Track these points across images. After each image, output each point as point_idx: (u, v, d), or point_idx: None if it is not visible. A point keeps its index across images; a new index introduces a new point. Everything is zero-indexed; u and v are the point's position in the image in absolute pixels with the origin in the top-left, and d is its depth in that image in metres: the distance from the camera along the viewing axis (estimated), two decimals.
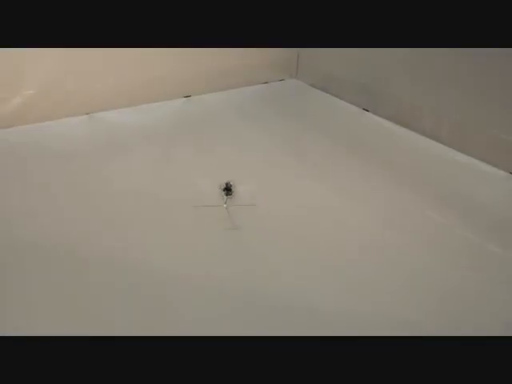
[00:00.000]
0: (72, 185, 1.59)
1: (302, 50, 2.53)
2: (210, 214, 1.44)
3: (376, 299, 1.16)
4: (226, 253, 1.32)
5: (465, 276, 1.25)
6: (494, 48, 1.52)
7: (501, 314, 1.11)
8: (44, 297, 1.12)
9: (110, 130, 1.95)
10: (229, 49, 2.26)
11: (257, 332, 0.98)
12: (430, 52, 1.77)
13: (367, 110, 2.16)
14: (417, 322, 1.08)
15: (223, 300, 1.14)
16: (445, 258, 1.32)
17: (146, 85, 2.10)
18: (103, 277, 1.21)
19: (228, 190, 1.61)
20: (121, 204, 1.51)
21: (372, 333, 0.98)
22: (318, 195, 1.61)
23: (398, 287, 1.23)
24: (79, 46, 1.51)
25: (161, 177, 1.68)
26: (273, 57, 2.50)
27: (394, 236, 1.41)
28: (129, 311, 1.09)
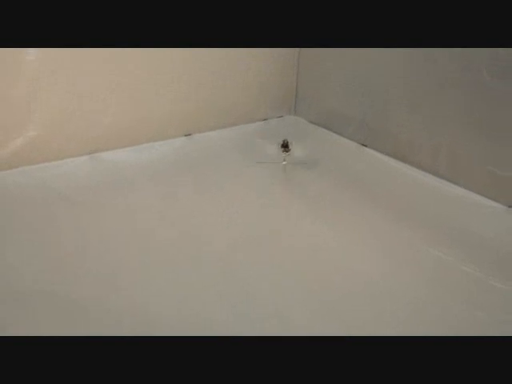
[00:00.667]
0: (74, 226, 1.60)
1: (300, 86, 2.59)
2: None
3: (378, 334, 1.14)
4: (223, 292, 1.31)
5: (466, 311, 1.23)
6: (490, 81, 1.58)
7: None
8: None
9: (112, 170, 1.97)
10: (228, 86, 2.34)
11: None
12: (427, 88, 1.82)
13: (365, 146, 2.19)
14: None
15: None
16: (446, 294, 1.30)
17: (147, 124, 2.14)
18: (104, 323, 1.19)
19: (285, 146, 1.69)
20: (124, 244, 1.51)
21: None
22: (318, 233, 1.62)
23: (399, 322, 1.21)
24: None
25: (162, 217, 1.69)
26: (271, 94, 2.57)
27: (394, 272, 1.40)
28: None
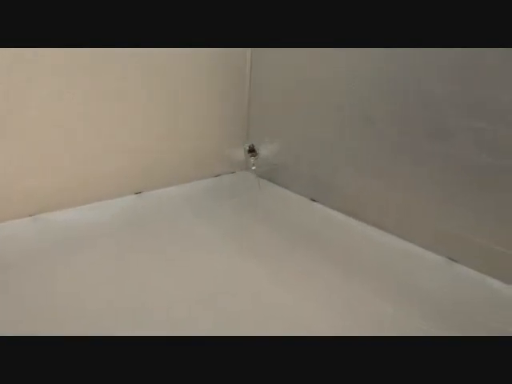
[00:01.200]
0: (7, 295, 1.49)
1: (251, 143, 2.67)
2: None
3: None
4: None
5: None
6: (428, 144, 1.69)
7: None
8: None
9: (55, 232, 1.88)
10: (180, 142, 2.36)
11: None
12: (369, 149, 1.93)
13: (315, 201, 2.25)
14: None
15: None
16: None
17: (94, 182, 2.09)
18: None
19: (252, 151, 1.73)
20: (64, 310, 1.42)
21: None
22: (269, 289, 1.60)
23: None
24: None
25: (109, 280, 1.61)
26: (223, 150, 2.61)
27: (345, 327, 1.40)
28: None
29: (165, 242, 1.90)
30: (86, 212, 2.05)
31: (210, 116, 2.47)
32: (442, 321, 1.42)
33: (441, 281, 1.60)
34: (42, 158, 1.90)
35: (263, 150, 2.25)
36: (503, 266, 1.56)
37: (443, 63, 1.59)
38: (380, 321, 1.45)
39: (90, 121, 1.99)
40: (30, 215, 1.92)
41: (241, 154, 2.19)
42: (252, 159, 1.76)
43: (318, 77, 2.10)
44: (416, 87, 1.69)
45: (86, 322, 1.38)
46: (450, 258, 1.68)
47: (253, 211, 2.24)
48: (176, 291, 1.56)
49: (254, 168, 1.75)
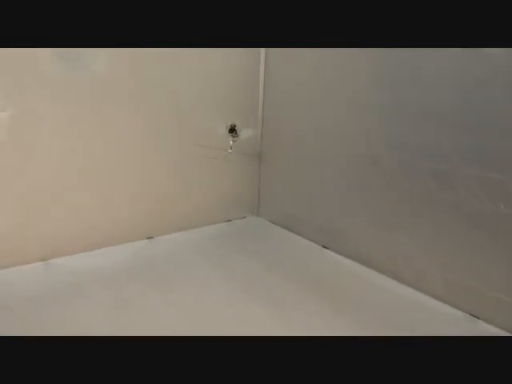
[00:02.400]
0: None
1: (262, 188, 2.68)
2: None
3: None
4: None
5: None
6: (437, 191, 1.68)
7: None
8: None
9: (66, 277, 1.88)
10: (193, 188, 2.39)
11: None
12: (384, 195, 1.92)
13: (327, 248, 2.22)
14: None
15: None
16: None
17: (108, 227, 2.12)
18: None
19: (232, 130, 1.66)
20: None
21: None
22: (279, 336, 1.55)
23: None
24: None
25: (121, 325, 1.58)
26: (235, 195, 2.63)
27: None
28: None
29: (175, 290, 1.87)
30: (97, 257, 2.06)
31: (221, 163, 2.50)
32: None
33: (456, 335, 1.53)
34: (56, 204, 1.94)
35: (244, 133, 2.16)
36: None
37: (450, 113, 1.61)
38: None
39: (102, 168, 2.05)
40: (43, 260, 1.94)
41: (222, 131, 2.10)
42: (231, 140, 1.62)
43: (329, 130, 2.15)
44: (424, 138, 1.70)
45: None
46: (469, 313, 1.62)
47: (264, 258, 2.21)
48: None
49: (230, 151, 1.60)
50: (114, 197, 2.12)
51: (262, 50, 2.46)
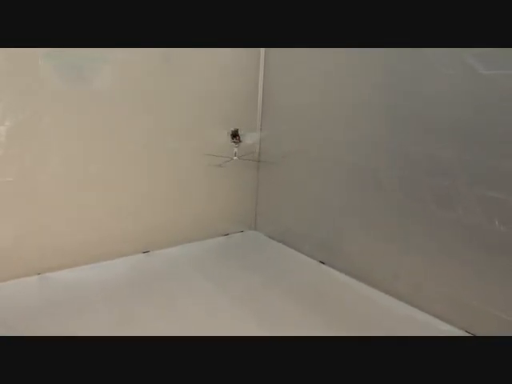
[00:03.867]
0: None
1: (260, 202, 2.69)
2: None
3: None
4: None
5: None
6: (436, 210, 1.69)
7: None
8: None
9: (62, 291, 1.87)
10: (190, 201, 2.38)
11: None
12: (382, 210, 1.93)
13: (323, 263, 2.22)
14: None
15: None
16: None
17: (104, 241, 2.11)
18: None
19: (235, 135, 1.62)
20: None
21: None
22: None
23: None
24: None
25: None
26: (232, 209, 2.64)
27: None
28: None
29: (170, 304, 1.86)
30: (93, 270, 2.05)
31: (219, 179, 2.50)
32: None
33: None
34: (52, 218, 1.94)
35: (248, 139, 2.10)
36: None
37: (453, 129, 1.62)
38: None
39: (99, 183, 2.05)
40: (39, 273, 1.92)
41: (224, 137, 2.04)
42: (234, 146, 1.60)
43: (329, 142, 2.16)
44: (425, 152, 1.72)
45: None
46: (465, 330, 1.61)
47: (261, 272, 2.20)
48: None
49: (235, 158, 1.56)
50: (111, 211, 2.12)
51: (262, 56, 2.45)
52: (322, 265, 2.22)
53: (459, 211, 1.61)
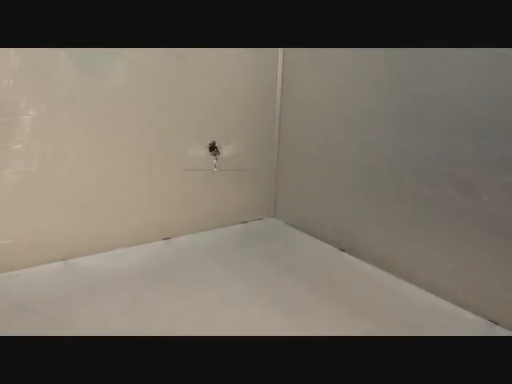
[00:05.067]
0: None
1: (279, 190, 2.68)
2: None
3: None
4: None
5: None
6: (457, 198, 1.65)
7: None
8: None
9: (85, 276, 1.93)
10: (209, 189, 2.40)
11: None
12: (396, 203, 1.90)
13: (343, 251, 2.20)
14: None
15: None
16: None
17: (125, 228, 2.15)
18: None
19: (213, 148, 1.66)
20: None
21: None
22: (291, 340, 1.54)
23: None
24: None
25: (132, 326, 1.60)
26: (251, 196, 2.64)
27: None
28: None
29: (190, 290, 1.89)
30: (115, 257, 2.09)
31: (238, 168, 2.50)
32: None
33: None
34: (76, 206, 1.98)
35: (225, 151, 2.13)
36: None
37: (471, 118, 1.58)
38: None
39: (120, 170, 2.08)
40: (63, 259, 1.98)
41: (202, 151, 2.08)
42: (213, 158, 1.64)
43: (347, 130, 2.13)
44: (443, 140, 1.67)
45: None
46: (488, 319, 1.58)
47: (280, 260, 2.21)
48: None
49: (215, 170, 1.62)
50: (132, 198, 2.15)
51: (280, 58, 2.46)
52: (342, 252, 2.20)
53: (479, 199, 1.57)
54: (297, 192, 2.56)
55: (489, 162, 1.54)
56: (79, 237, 2.01)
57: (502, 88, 1.48)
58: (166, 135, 2.18)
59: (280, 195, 2.69)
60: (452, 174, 1.66)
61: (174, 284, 1.93)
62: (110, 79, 1.94)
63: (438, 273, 1.78)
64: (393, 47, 1.73)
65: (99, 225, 2.07)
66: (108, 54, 1.90)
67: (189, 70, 2.14)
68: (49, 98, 1.81)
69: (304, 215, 2.52)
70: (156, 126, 2.13)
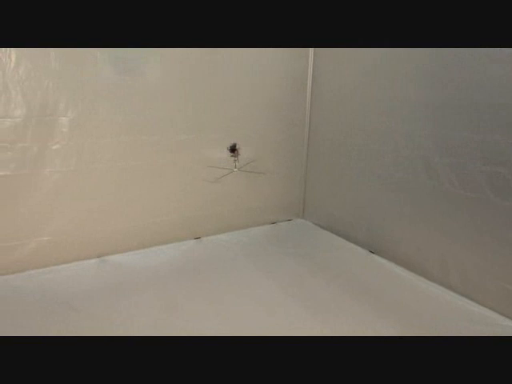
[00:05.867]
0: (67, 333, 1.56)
1: (308, 191, 2.67)
2: None
3: None
4: None
5: None
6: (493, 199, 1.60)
7: None
8: None
9: (117, 274, 1.98)
10: (239, 190, 2.43)
11: None
12: (428, 203, 1.87)
13: (374, 253, 2.17)
14: None
15: None
16: None
17: (158, 227, 2.21)
18: None
19: (233, 150, 1.89)
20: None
21: None
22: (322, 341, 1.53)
23: None
24: None
25: (166, 324, 1.64)
26: (280, 197, 2.65)
27: None
28: None
29: (222, 289, 1.90)
30: (148, 255, 2.15)
31: (267, 170, 2.53)
32: None
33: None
34: (110, 205, 2.05)
35: (250, 152, 2.26)
36: None
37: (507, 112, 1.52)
38: None
39: (151, 173, 2.14)
40: (99, 256, 2.05)
41: (223, 153, 2.18)
42: (234, 159, 1.87)
43: (377, 132, 2.10)
44: (479, 138, 1.63)
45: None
46: None
47: (309, 261, 2.20)
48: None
49: (235, 170, 1.87)
50: (164, 198, 2.20)
51: (311, 52, 2.47)
52: (371, 254, 2.18)
53: None
54: (325, 193, 2.55)
55: None
56: (113, 234, 2.08)
57: None
58: (198, 135, 2.22)
59: (309, 196, 2.69)
60: (490, 173, 1.61)
61: (207, 283, 1.95)
62: (143, 79, 2.00)
63: (472, 276, 1.72)
64: (433, 47, 1.70)
65: (132, 223, 2.13)
66: (142, 55, 1.96)
67: (219, 69, 2.18)
68: (86, 98, 1.88)
69: (333, 216, 2.50)
70: (188, 126, 2.18)
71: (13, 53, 1.69)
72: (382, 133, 2.07)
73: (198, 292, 1.87)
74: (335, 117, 2.37)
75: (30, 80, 1.74)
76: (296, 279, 2.03)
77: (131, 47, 1.82)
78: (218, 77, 2.19)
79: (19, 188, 1.83)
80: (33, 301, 1.73)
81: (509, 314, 1.58)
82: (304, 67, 2.48)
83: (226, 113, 2.26)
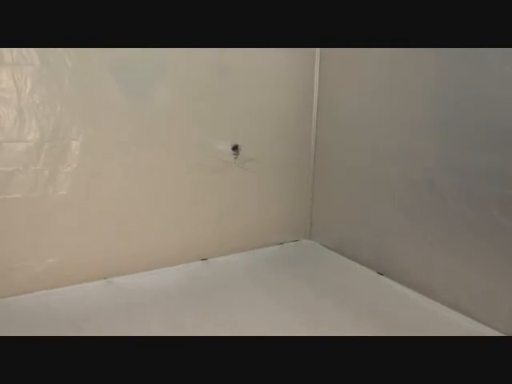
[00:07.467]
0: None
1: (315, 211, 2.67)
2: None
3: None
4: None
5: None
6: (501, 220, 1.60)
7: None
8: None
9: (124, 296, 1.98)
10: (245, 211, 2.44)
11: None
12: (437, 227, 1.87)
13: (382, 274, 2.16)
14: None
15: None
16: None
17: (164, 249, 2.21)
18: None
19: (235, 149, 2.13)
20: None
21: None
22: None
23: None
24: None
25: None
26: (287, 218, 2.65)
27: None
28: None
29: (229, 312, 1.89)
30: (154, 276, 2.15)
31: (274, 189, 2.55)
32: None
33: None
34: (117, 227, 2.07)
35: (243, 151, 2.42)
36: None
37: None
38: None
39: (157, 194, 2.16)
40: (105, 278, 2.06)
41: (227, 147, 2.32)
42: (234, 156, 2.23)
43: (385, 149, 2.12)
44: (489, 158, 1.64)
45: None
46: None
47: (316, 283, 2.18)
48: None
49: (234, 164, 2.25)
50: (170, 219, 2.22)
51: (317, 65, 2.49)
52: (380, 276, 2.16)
53: None
54: (333, 213, 2.55)
55: None
56: (120, 256, 2.09)
57: None
58: (205, 155, 2.25)
59: (316, 216, 2.69)
60: (497, 195, 1.61)
61: (213, 306, 1.93)
62: (153, 100, 2.04)
63: (481, 299, 1.71)
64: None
65: (139, 244, 2.14)
66: (151, 74, 2.01)
67: (227, 83, 2.22)
68: (97, 122, 1.92)
69: (340, 237, 2.50)
70: (196, 146, 2.21)
71: (28, 78, 1.74)
72: (390, 152, 2.08)
73: (206, 315, 1.86)
74: (342, 136, 2.39)
75: (44, 105, 1.79)
76: (303, 302, 2.01)
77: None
78: (224, 99, 2.23)
79: (30, 210, 1.85)
80: (40, 321, 1.73)
81: None
82: (309, 86, 2.51)
83: (232, 136, 2.30)
